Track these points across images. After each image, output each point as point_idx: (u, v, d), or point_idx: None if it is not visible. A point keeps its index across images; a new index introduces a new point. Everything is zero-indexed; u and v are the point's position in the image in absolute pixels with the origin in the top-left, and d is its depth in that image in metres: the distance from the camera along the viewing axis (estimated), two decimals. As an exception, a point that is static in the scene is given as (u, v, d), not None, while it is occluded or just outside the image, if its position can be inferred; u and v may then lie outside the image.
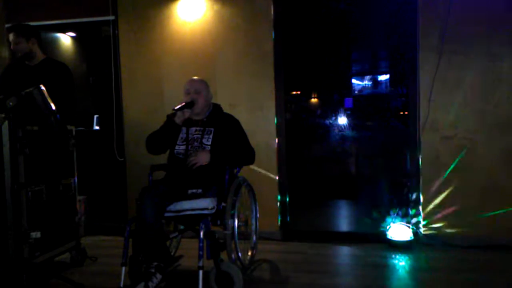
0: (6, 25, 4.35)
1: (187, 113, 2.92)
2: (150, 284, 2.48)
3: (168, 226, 3.11)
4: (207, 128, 2.99)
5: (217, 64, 4.03)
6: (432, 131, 3.67)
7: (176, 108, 2.87)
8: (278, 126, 4.00)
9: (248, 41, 3.97)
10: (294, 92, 4.78)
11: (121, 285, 2.63)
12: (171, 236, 3.04)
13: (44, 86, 2.68)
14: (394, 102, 4.42)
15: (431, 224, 3.69)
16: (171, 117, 2.99)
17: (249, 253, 3.25)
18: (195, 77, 3.11)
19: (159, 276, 2.53)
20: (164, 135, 2.98)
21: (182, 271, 3.22)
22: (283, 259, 3.46)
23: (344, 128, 4.61)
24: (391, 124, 4.41)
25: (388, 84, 4.58)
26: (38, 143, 2.91)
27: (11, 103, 2.59)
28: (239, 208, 2.96)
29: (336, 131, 4.61)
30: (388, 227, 3.70)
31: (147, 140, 3.02)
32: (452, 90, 3.63)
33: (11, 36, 3.36)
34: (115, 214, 4.34)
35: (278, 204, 4.02)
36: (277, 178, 3.98)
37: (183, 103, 2.90)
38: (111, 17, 4.21)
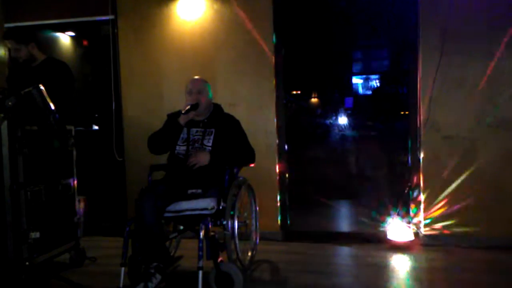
0: (6, 25, 4.34)
1: (191, 114, 2.91)
2: (149, 284, 2.48)
3: (167, 227, 3.10)
4: (207, 129, 2.98)
5: (217, 64, 4.02)
6: (432, 131, 3.65)
7: (183, 112, 2.86)
8: (278, 125, 3.98)
9: (248, 41, 3.95)
10: (294, 92, 4.78)
11: (121, 285, 2.62)
12: (170, 236, 3.03)
13: (44, 85, 2.67)
14: (395, 102, 4.42)
15: (432, 224, 3.68)
16: (172, 117, 2.98)
17: (249, 254, 3.24)
18: (197, 77, 3.10)
19: (158, 276, 2.53)
20: (167, 136, 2.97)
21: (182, 272, 3.22)
22: (283, 259, 3.45)
23: (344, 128, 4.61)
24: (391, 123, 4.41)
25: (388, 83, 4.57)
26: (37, 143, 2.90)
27: (10, 103, 2.59)
28: (239, 209, 2.95)
29: (336, 130, 4.61)
30: (388, 227, 3.69)
31: (150, 140, 3.01)
32: (453, 90, 3.61)
33: (9, 44, 3.36)
34: (114, 215, 4.33)
35: (278, 204, 4.00)
36: (277, 178, 3.97)
37: (188, 106, 2.89)
38: (111, 17, 4.19)
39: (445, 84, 3.62)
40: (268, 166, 3.93)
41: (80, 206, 3.44)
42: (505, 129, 3.54)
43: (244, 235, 3.18)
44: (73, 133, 3.30)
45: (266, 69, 3.94)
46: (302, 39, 4.37)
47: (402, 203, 3.78)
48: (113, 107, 4.25)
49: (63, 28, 4.85)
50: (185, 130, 2.99)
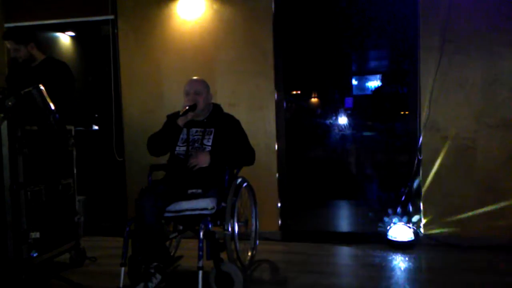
0: (6, 25, 4.34)
1: (189, 115, 2.90)
2: (149, 284, 2.47)
3: (167, 227, 3.10)
4: (207, 129, 2.98)
5: (217, 64, 4.02)
6: (432, 131, 3.65)
7: (181, 113, 2.86)
8: (278, 125, 3.98)
9: (248, 40, 3.95)
10: (294, 92, 4.78)
11: (121, 285, 2.62)
12: (170, 236, 3.03)
13: (44, 85, 2.67)
14: (395, 102, 4.42)
15: (432, 224, 3.68)
16: (172, 118, 2.97)
17: (249, 253, 3.24)
18: (195, 78, 3.09)
19: (158, 276, 2.52)
20: (166, 137, 2.97)
21: (182, 272, 3.21)
22: (283, 259, 3.45)
23: (344, 128, 4.61)
24: (391, 124, 4.41)
25: (388, 83, 4.57)
26: (37, 143, 2.90)
27: (10, 103, 2.59)
28: (239, 209, 2.95)
29: (336, 131, 4.61)
30: (388, 227, 3.69)
31: (149, 142, 3.01)
32: (453, 90, 3.61)
33: (9, 44, 3.36)
34: (114, 215, 4.33)
35: (278, 204, 4.00)
36: (276, 177, 3.97)
37: (186, 107, 2.88)
38: (111, 17, 4.19)
39: (445, 84, 3.61)
40: (268, 166, 3.93)
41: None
42: (505, 129, 3.54)
43: (244, 235, 3.18)
44: (73, 133, 3.30)
45: (266, 69, 3.93)
46: (302, 39, 4.36)
47: (402, 203, 3.78)
48: (113, 107, 4.25)
49: (63, 28, 4.84)
50: (184, 130, 2.98)
